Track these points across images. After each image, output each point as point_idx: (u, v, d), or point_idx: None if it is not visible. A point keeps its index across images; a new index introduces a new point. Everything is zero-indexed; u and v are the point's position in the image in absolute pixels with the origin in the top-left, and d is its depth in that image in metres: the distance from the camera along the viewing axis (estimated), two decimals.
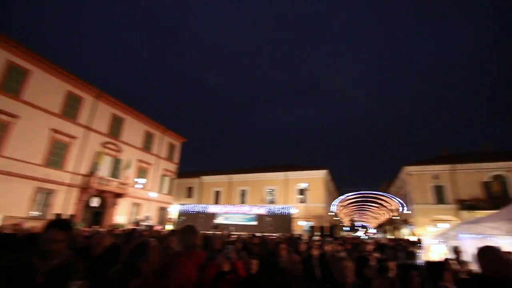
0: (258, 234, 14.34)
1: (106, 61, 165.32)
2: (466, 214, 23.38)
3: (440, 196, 26.80)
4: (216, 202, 34.70)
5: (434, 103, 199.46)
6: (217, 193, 35.98)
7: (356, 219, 58.40)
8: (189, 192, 37.92)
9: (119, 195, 22.95)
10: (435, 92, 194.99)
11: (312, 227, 25.24)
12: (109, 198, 22.43)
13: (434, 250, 12.05)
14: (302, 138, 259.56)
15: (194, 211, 27.81)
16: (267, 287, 2.82)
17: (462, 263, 5.45)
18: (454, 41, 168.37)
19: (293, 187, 32.14)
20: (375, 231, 55.98)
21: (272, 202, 32.02)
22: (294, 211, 26.06)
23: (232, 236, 14.73)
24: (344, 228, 48.63)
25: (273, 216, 25.19)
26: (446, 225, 19.36)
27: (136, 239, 2.83)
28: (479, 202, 24.14)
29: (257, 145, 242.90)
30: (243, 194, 34.64)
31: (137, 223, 22.26)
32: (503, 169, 25.26)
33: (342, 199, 30.67)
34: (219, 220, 26.44)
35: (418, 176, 27.95)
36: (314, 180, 31.51)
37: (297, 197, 31.67)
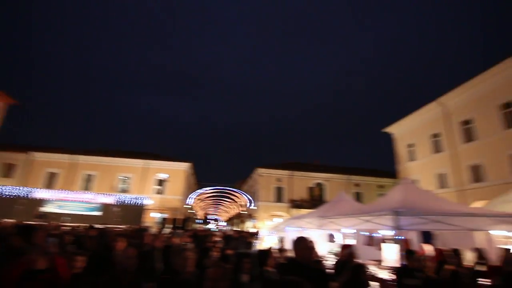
0: (99, 226, 12.59)
1: None
2: (294, 211, 29.06)
3: (279, 196, 32.20)
4: (49, 186, 28.10)
5: (285, 118, 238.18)
6: (52, 176, 29.21)
7: (210, 212, 61.46)
8: (9, 171, 28.99)
9: None
10: (288, 111, 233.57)
11: (164, 219, 24.58)
12: None
13: (267, 240, 14.30)
14: (172, 129, 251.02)
15: (10, 195, 21.45)
16: (91, 286, 2.45)
17: (283, 250, 6.71)
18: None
19: (151, 177, 30.35)
20: (225, 224, 60.71)
21: (124, 191, 29.02)
22: (148, 202, 24.62)
23: (64, 227, 12.30)
24: (197, 221, 50.14)
25: (123, 206, 22.89)
26: (280, 220, 23.40)
27: None
28: (304, 202, 30.60)
29: (120, 127, 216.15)
30: (89, 179, 29.66)
31: None
32: (323, 179, 33.19)
33: (200, 192, 31.64)
34: (48, 209, 21.54)
35: (266, 177, 32.50)
36: (176, 172, 30.95)
37: (154, 188, 30.11)
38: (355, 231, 8.90)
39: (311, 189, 32.65)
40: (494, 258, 6.67)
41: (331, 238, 10.95)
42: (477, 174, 18.77)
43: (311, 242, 2.93)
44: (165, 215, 26.38)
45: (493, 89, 17.99)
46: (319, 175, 33.28)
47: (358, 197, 32.45)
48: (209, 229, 29.15)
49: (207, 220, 66.28)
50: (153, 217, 26.69)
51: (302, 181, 32.69)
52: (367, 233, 9.49)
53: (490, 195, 12.05)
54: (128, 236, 6.65)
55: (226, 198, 36.83)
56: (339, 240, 9.70)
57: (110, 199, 23.36)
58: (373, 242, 9.47)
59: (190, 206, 32.07)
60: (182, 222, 22.21)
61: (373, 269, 7.30)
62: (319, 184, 33.03)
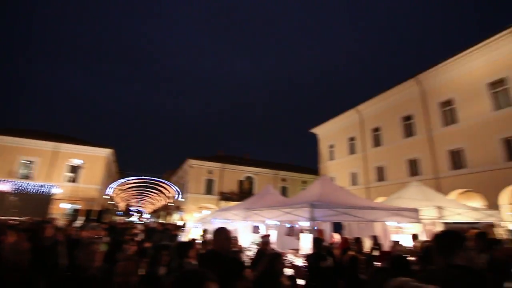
0: None
1: None
2: (223, 203, 29.29)
3: (209, 188, 32.02)
4: None
5: (220, 111, 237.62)
6: None
7: (133, 204, 57.34)
8: None
9: None
10: (223, 105, 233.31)
11: (77, 210, 21.90)
12: None
13: (193, 232, 14.05)
14: (94, 111, 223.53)
15: None
16: None
17: (206, 242, 6.71)
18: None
19: (63, 163, 26.41)
20: (149, 216, 57.47)
21: (27, 177, 24.66)
22: (57, 191, 21.53)
23: None
24: (118, 213, 46.29)
25: (23, 195, 19.52)
26: (208, 212, 23.28)
27: None
28: (234, 195, 31.14)
29: (33, 104, 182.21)
30: None
31: None
32: (253, 173, 34.27)
33: (122, 182, 29.12)
34: None
35: (197, 169, 31.89)
36: (94, 158, 27.64)
37: (66, 175, 26.35)
38: (278, 222, 9.46)
39: (241, 182, 33.40)
40: (388, 244, 7.95)
41: (256, 229, 11.41)
42: (381, 174, 22.01)
43: (230, 232, 2.97)
44: (78, 206, 23.51)
45: (397, 104, 21.27)
46: (249, 169, 34.27)
47: (284, 191, 34.59)
48: (130, 222, 27.13)
49: (130, 213, 61.85)
50: (63, 208, 23.48)
51: (232, 174, 33.15)
52: (289, 224, 10.19)
53: (389, 192, 14.21)
54: (25, 229, 5.68)
55: (152, 189, 34.84)
56: (263, 231, 10.17)
57: (5, 186, 19.62)
58: (294, 232, 10.24)
59: (110, 197, 29.24)
60: (97, 214, 20.12)
61: (290, 257, 7.90)
62: (249, 178, 34.02)
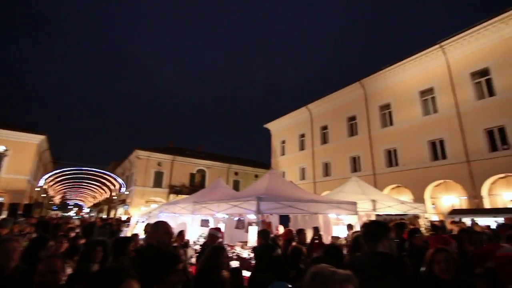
0: None
1: None
2: (173, 197, 28.34)
3: (158, 181, 30.68)
4: None
5: (175, 104, 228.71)
6: None
7: (71, 197, 52.39)
8: None
9: None
10: (176, 97, 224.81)
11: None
12: None
13: (138, 227, 13.35)
14: (25, 91, 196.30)
15: None
16: None
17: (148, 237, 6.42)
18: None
19: None
20: (89, 210, 53.12)
21: None
22: None
23: None
24: (54, 207, 41.93)
25: None
26: (156, 206, 22.32)
27: None
28: (184, 188, 30.33)
29: None
30: None
31: None
32: (205, 165, 33.76)
33: (57, 173, 26.29)
34: None
35: (145, 161, 30.25)
36: (23, 145, 24.28)
37: None
38: (227, 215, 9.48)
39: (192, 175, 32.67)
40: (330, 234, 8.53)
41: (205, 223, 11.29)
42: (327, 169, 23.46)
43: (169, 226, 2.87)
44: (0, 199, 20.60)
45: (344, 104, 22.81)
46: (202, 162, 33.69)
47: (237, 185, 34.80)
48: (66, 217, 24.72)
49: (68, 206, 56.55)
50: None
51: (184, 167, 32.24)
52: (237, 218, 10.29)
53: (334, 187, 15.18)
54: None
55: (94, 181, 32.16)
56: (212, 224, 10.11)
57: None
58: (243, 225, 10.38)
59: (43, 190, 26.18)
60: (25, 208, 17.90)
61: (238, 250, 8.01)
62: (201, 171, 33.44)
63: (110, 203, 36.31)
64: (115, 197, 32.35)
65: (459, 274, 2.33)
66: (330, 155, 23.23)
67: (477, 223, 10.58)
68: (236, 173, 35.95)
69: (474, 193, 14.28)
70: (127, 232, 12.54)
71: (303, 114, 26.62)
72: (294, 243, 6.08)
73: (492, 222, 10.61)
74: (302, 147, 26.55)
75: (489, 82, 14.75)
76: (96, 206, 48.87)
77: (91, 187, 36.94)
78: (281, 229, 8.50)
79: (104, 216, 32.28)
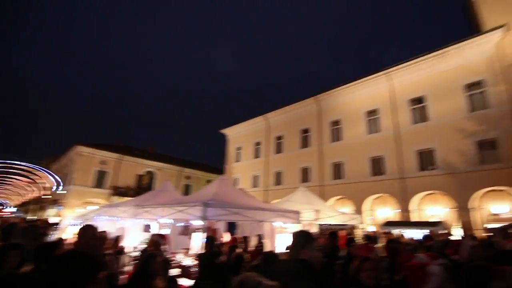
0: None
1: None
2: (116, 199, 26.36)
3: (100, 181, 28.27)
4: None
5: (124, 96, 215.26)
6: None
7: None
8: None
9: None
10: (127, 90, 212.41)
11: None
12: None
13: (69, 231, 12.08)
14: None
15: None
16: None
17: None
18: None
19: None
20: (15, 210, 46.70)
21: None
22: None
23: None
24: None
25: None
26: (96, 208, 20.49)
27: None
28: (130, 190, 28.43)
29: None
30: None
31: None
32: (155, 167, 32.17)
33: None
34: None
35: (87, 158, 27.72)
36: None
37: None
38: (172, 221, 9.09)
39: (140, 176, 30.85)
40: (273, 242, 8.68)
41: (147, 228, 10.67)
42: (279, 179, 24.07)
43: (97, 231, 2.65)
44: None
45: (299, 117, 23.83)
46: (152, 163, 32.05)
47: (188, 189, 33.78)
48: None
49: None
50: None
51: (131, 167, 30.30)
52: (182, 223, 9.93)
53: (284, 195, 15.57)
54: None
55: (21, 176, 28.38)
56: (155, 230, 9.59)
57: None
58: (188, 231, 10.03)
59: None
60: None
61: (180, 257, 7.70)
62: (150, 173, 31.78)
63: (40, 202, 32.35)
64: (48, 196, 28.95)
65: (380, 280, 2.58)
66: (282, 165, 23.92)
67: (402, 235, 11.76)
68: (188, 177, 34.93)
69: (405, 207, 15.90)
70: (55, 236, 11.26)
71: (260, 122, 27.10)
72: (237, 250, 6.07)
73: (420, 233, 11.87)
74: (256, 155, 26.90)
75: (424, 109, 16.73)
76: (23, 205, 43.14)
77: (17, 183, 32.56)
78: (226, 236, 8.42)
79: (32, 217, 28.61)
